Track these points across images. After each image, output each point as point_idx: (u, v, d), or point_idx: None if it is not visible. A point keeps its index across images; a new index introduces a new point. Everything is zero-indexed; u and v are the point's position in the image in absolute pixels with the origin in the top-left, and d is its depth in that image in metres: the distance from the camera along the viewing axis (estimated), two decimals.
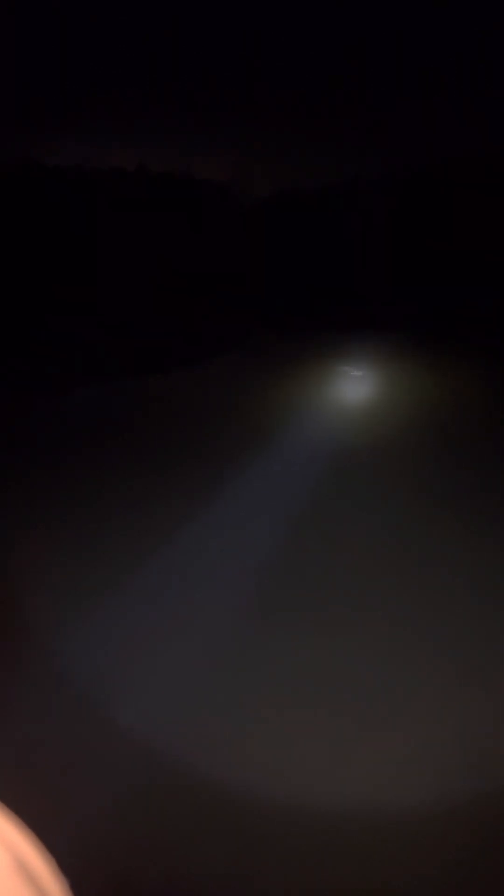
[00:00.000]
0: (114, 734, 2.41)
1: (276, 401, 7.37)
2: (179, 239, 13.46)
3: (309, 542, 3.92)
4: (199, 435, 6.19)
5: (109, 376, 9.36)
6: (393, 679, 2.70)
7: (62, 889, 0.56)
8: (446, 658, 2.81)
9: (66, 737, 2.43)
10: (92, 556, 3.84)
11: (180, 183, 13.59)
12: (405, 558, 3.64)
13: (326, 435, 6.01)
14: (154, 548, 3.90)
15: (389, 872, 1.88)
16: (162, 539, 3.97)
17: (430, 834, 1.99)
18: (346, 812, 2.06)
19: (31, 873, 0.54)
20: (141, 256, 12.96)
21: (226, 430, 6.26)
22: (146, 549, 3.89)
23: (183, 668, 2.80)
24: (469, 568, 3.50)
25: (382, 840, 1.98)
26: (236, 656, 2.85)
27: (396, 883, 1.85)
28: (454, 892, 1.84)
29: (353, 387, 7.88)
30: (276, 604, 3.24)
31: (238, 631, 3.00)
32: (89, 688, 2.66)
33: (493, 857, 1.92)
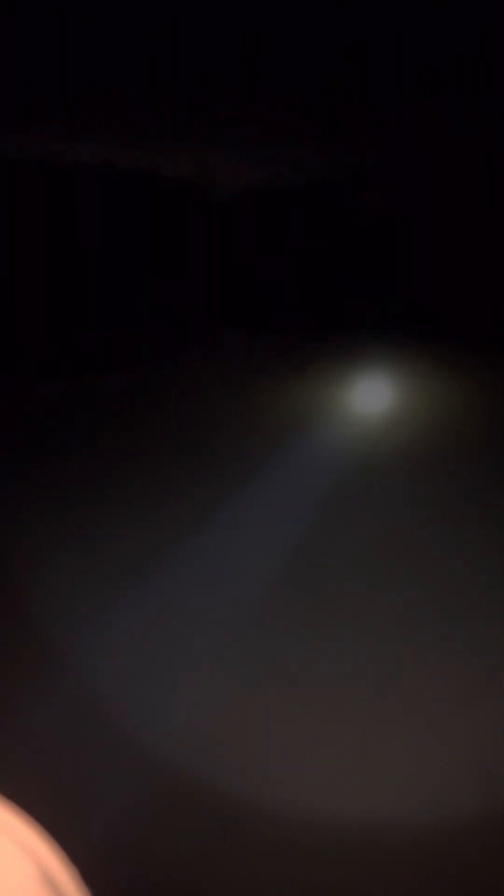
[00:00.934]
0: (135, 743, 2.40)
1: (250, 403, 7.24)
2: (145, 234, 13.34)
3: (310, 555, 3.90)
4: (172, 436, 6.11)
5: (70, 373, 9.22)
6: (402, 691, 2.72)
7: None
8: (456, 672, 2.84)
9: (88, 746, 2.41)
10: (94, 557, 3.81)
11: (147, 178, 13.48)
12: (416, 573, 3.65)
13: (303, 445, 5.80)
14: (153, 553, 3.88)
15: (392, 888, 1.90)
16: (157, 546, 3.94)
17: (434, 849, 2.01)
18: (352, 825, 2.08)
19: (55, 884, 0.54)
20: (105, 251, 12.83)
21: (196, 431, 6.18)
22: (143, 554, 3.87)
23: (193, 675, 2.80)
24: (482, 583, 3.53)
25: (387, 855, 2.00)
26: (244, 666, 2.86)
27: None
28: None
29: (340, 393, 7.47)
30: (284, 616, 3.24)
31: (245, 641, 3.00)
32: (107, 696, 2.65)
33: (497, 874, 1.94)
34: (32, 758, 2.25)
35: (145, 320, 10.72)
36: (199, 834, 2.08)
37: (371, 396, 7.41)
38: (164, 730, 2.46)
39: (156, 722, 2.49)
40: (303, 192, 10.65)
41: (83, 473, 5.17)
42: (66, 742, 2.38)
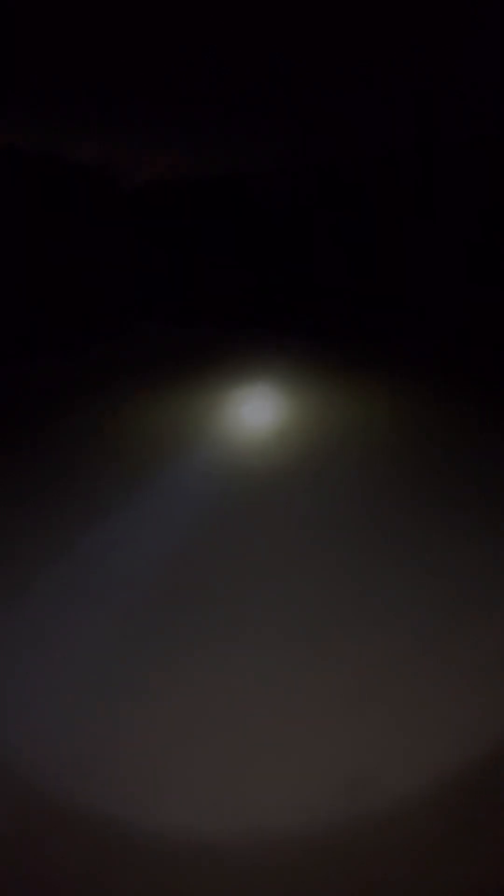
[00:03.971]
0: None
1: (153, 398, 7.08)
2: (50, 221, 13.05)
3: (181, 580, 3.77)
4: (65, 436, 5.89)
5: None
6: (275, 704, 2.70)
7: None
8: (330, 684, 2.83)
9: None
10: None
11: (52, 164, 13.16)
12: (297, 586, 3.60)
13: (212, 454, 5.48)
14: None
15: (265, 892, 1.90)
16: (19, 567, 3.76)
17: (304, 855, 2.02)
18: (231, 838, 2.06)
19: None
20: (7, 238, 12.48)
21: (95, 434, 5.97)
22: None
23: (61, 697, 2.70)
24: (367, 595, 3.51)
25: (258, 861, 1.99)
26: (113, 682, 2.78)
27: None
28: None
29: (246, 392, 7.18)
30: (155, 631, 3.15)
31: (113, 658, 2.92)
32: None
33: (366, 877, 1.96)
34: None
35: (50, 310, 10.42)
36: (56, 853, 2.02)
37: (260, 408, 7.16)
38: (28, 747, 2.38)
39: (19, 740, 2.40)
40: (212, 184, 10.49)
41: None
42: None
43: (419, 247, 10.07)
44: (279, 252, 11.73)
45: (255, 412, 6.73)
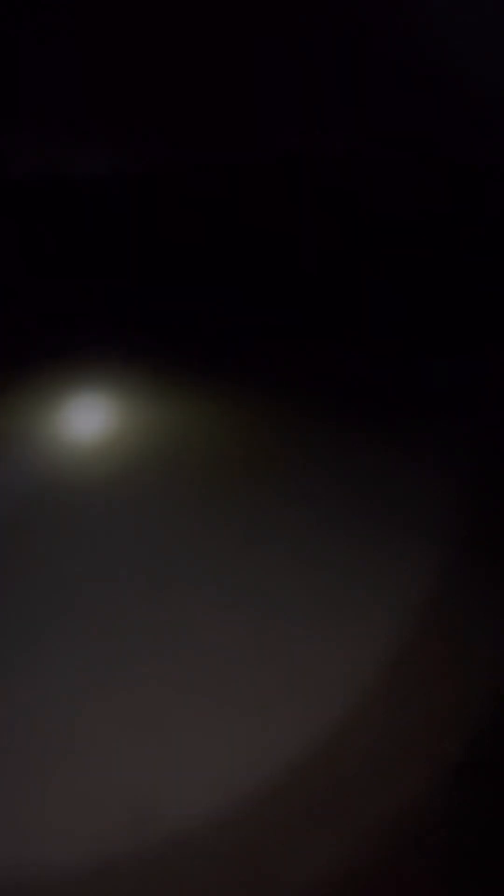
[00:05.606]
0: None
1: None
2: None
3: None
4: None
5: None
6: (50, 727, 2.66)
7: None
8: (112, 708, 2.81)
9: None
10: None
11: None
12: (109, 612, 3.58)
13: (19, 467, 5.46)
14: None
15: None
16: None
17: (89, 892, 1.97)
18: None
19: None
20: None
21: None
22: None
23: None
24: (186, 621, 3.52)
25: None
26: None
27: None
28: None
29: (68, 400, 7.12)
30: None
31: None
32: None
33: None
34: None
35: None
36: None
37: (84, 416, 7.38)
38: None
39: None
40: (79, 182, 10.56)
41: None
42: None
43: (275, 250, 10.67)
44: (130, 253, 11.68)
45: (84, 418, 6.71)
